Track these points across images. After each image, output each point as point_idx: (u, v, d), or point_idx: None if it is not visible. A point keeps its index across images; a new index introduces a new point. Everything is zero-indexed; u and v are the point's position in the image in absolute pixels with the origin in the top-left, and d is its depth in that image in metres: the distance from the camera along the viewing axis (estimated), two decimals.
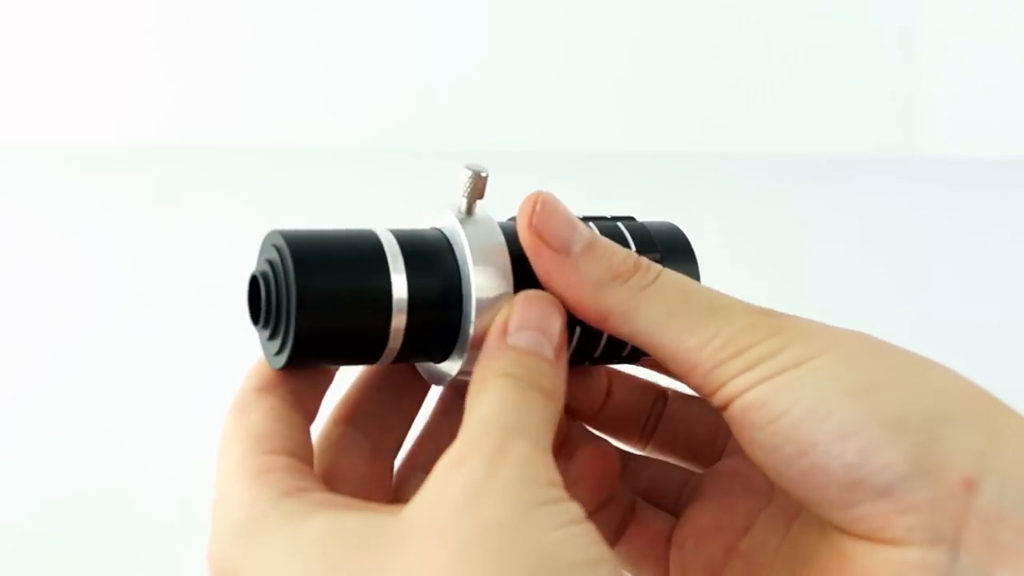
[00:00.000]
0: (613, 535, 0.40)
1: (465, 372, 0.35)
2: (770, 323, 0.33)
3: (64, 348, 0.65)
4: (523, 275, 0.34)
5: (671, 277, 0.34)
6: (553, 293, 0.35)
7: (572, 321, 0.35)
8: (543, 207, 0.34)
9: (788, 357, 0.32)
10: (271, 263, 0.33)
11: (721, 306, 0.33)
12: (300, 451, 0.33)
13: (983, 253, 0.88)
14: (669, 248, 0.37)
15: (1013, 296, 0.79)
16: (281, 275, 0.33)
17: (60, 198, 0.97)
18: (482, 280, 0.34)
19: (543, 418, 0.32)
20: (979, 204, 1.01)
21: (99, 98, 1.12)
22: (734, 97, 1.16)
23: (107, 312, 0.71)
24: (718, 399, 0.33)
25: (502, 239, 0.35)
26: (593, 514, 0.39)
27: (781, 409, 0.31)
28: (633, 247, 0.36)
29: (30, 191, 0.99)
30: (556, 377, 0.33)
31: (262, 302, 0.34)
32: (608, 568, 0.28)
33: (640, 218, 0.39)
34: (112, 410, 0.58)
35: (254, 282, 0.34)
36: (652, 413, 0.41)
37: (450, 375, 0.35)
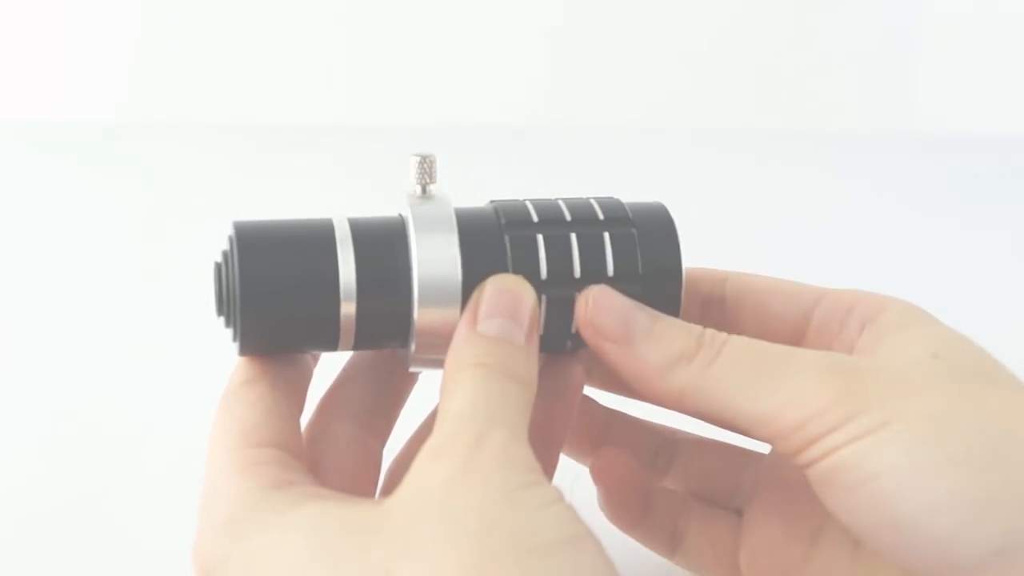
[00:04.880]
0: (670, 539, 0.40)
1: (417, 358, 0.35)
2: (846, 377, 0.32)
3: (61, 329, 0.65)
4: (475, 257, 0.34)
5: (735, 346, 0.34)
6: (624, 382, 0.35)
7: (546, 304, 0.35)
8: (595, 303, 0.35)
9: (870, 420, 0.31)
10: (225, 254, 0.34)
11: (790, 364, 0.33)
12: (288, 442, 0.34)
13: (986, 227, 0.88)
14: (645, 221, 0.37)
15: (1016, 272, 0.79)
16: (231, 265, 0.34)
17: (59, 175, 0.96)
18: (427, 264, 0.34)
19: (518, 406, 0.32)
20: (982, 179, 1.01)
21: (99, 73, 1.12)
22: (731, 74, 1.15)
23: (107, 291, 0.71)
24: (800, 461, 0.32)
25: (452, 221, 0.34)
26: (647, 516, 0.40)
27: (867, 475, 0.31)
28: (601, 216, 0.36)
29: (29, 168, 0.99)
30: (528, 363, 0.33)
31: (218, 291, 0.34)
32: (589, 543, 0.28)
33: (634, 198, 0.38)
34: (112, 390, 0.57)
35: (216, 272, 0.35)
36: (660, 453, 0.42)
37: (407, 361, 0.36)
